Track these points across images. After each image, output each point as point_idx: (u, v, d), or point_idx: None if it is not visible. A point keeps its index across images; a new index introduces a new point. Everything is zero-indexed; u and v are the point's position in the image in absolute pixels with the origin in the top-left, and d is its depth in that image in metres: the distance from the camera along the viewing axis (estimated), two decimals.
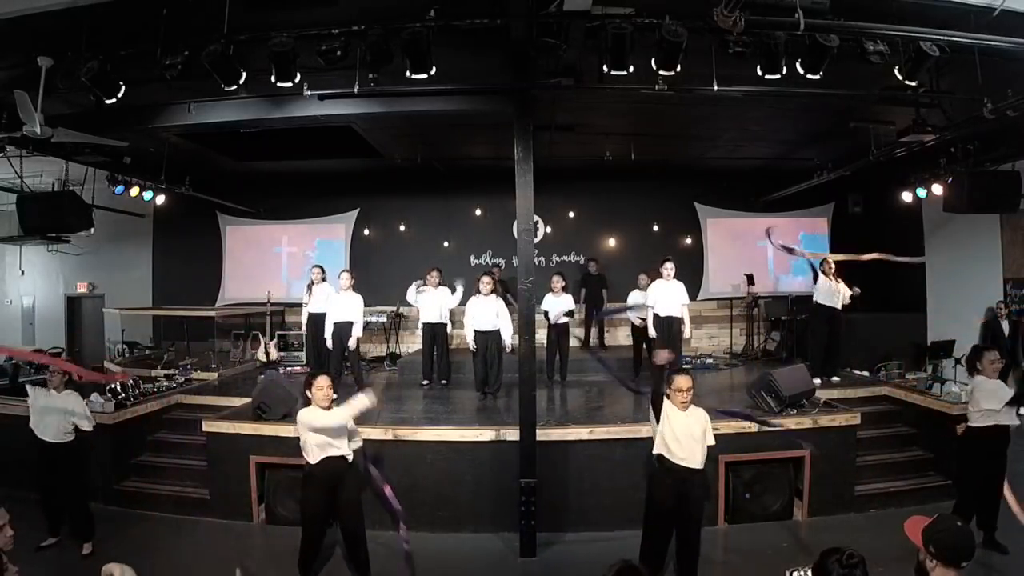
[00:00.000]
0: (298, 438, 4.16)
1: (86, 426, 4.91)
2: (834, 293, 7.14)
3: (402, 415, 6.18)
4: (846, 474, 5.56)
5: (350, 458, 4.21)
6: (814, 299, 7.34)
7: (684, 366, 7.35)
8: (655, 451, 4.03)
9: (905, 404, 6.49)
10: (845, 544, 2.13)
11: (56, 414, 4.80)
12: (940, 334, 8.28)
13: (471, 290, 7.39)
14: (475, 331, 6.96)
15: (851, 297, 7.18)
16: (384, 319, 9.95)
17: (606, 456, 5.29)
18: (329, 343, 6.83)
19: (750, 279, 10.09)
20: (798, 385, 5.81)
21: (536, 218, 8.84)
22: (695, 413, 4.00)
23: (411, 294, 7.61)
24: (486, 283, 7.04)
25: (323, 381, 4.15)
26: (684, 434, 3.90)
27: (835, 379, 7.16)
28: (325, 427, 4.08)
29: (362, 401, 4.04)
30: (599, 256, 10.41)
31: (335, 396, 4.24)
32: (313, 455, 4.11)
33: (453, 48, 4.60)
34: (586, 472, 5.31)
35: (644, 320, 7.48)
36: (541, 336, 6.88)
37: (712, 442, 4.06)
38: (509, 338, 6.99)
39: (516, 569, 4.72)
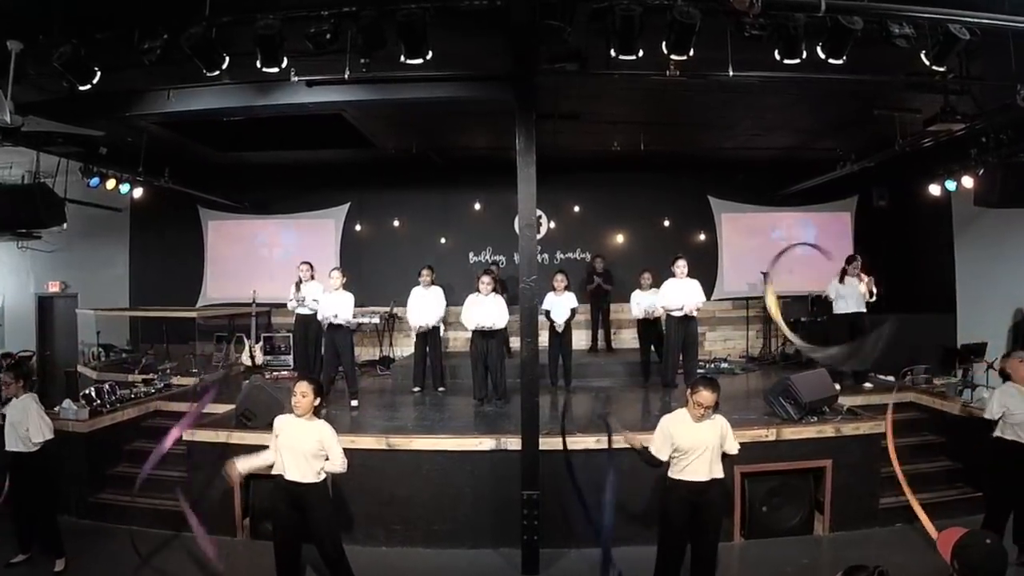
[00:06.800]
0: None
1: (36, 439, 4.77)
2: (860, 296, 7.12)
3: (396, 423, 6.19)
4: (870, 486, 5.57)
5: (318, 479, 4.14)
6: (834, 310, 7.34)
7: (698, 371, 7.36)
8: (673, 476, 3.99)
9: (933, 411, 6.49)
10: (870, 560, 2.13)
11: (11, 423, 4.80)
12: (971, 336, 8.27)
13: (464, 290, 7.40)
14: (474, 331, 6.97)
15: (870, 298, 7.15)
16: (376, 320, 9.95)
17: (614, 466, 5.27)
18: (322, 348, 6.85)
19: (767, 278, 10.08)
20: (819, 391, 5.81)
21: (539, 213, 8.81)
22: (711, 423, 3.97)
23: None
24: (486, 283, 7.04)
25: (301, 387, 4.11)
26: (695, 447, 3.86)
27: (867, 385, 7.15)
28: (292, 440, 4.08)
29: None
30: (606, 253, 10.41)
31: (319, 403, 4.22)
32: (276, 462, 4.13)
33: (451, 32, 4.59)
34: (592, 483, 5.29)
35: (651, 312, 7.51)
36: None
37: (734, 451, 4.05)
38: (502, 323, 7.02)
39: None
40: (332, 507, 4.42)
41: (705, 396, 3.89)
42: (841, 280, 7.32)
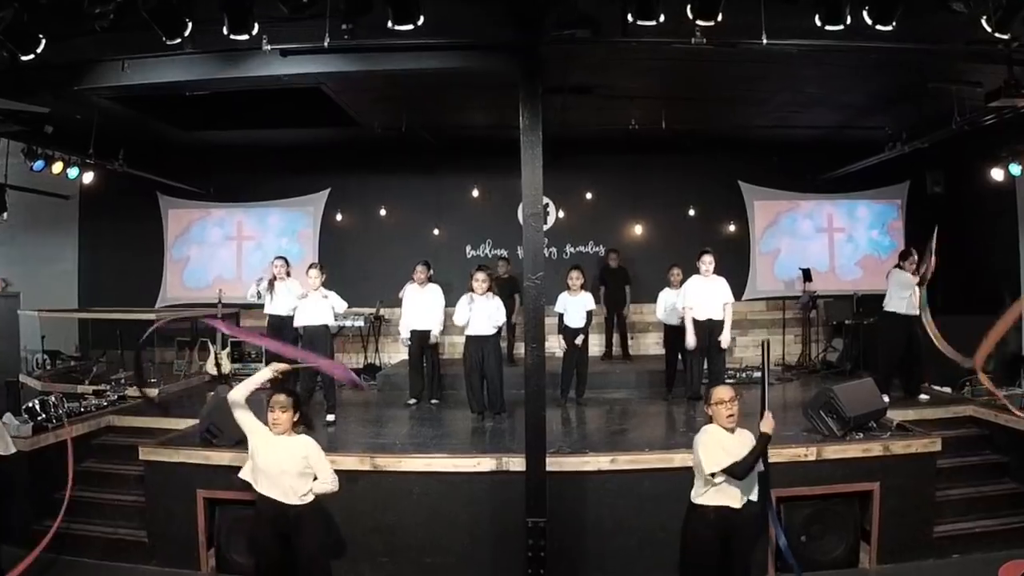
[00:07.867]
0: None
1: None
2: (911, 297, 7.06)
3: (382, 440, 6.18)
4: (923, 512, 5.55)
5: (304, 501, 4.12)
6: (885, 305, 7.27)
7: (727, 380, 7.34)
8: (701, 502, 3.93)
9: (995, 427, 6.47)
10: None
11: None
12: None
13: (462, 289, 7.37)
14: (468, 336, 6.97)
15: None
16: (361, 323, 9.95)
17: (631, 490, 5.28)
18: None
19: (806, 275, 10.07)
20: (865, 404, 5.80)
21: (546, 200, 8.83)
22: (742, 436, 3.99)
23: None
24: (481, 280, 7.01)
25: (279, 401, 4.11)
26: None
27: (923, 397, 7.14)
28: (272, 463, 4.06)
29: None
30: (622, 247, 10.41)
31: (298, 418, 4.21)
32: (254, 478, 4.13)
33: None
34: (607, 509, 5.31)
35: (681, 320, 7.48)
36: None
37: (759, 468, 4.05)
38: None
39: None
40: (325, 531, 4.40)
41: (724, 391, 3.94)
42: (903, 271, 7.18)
